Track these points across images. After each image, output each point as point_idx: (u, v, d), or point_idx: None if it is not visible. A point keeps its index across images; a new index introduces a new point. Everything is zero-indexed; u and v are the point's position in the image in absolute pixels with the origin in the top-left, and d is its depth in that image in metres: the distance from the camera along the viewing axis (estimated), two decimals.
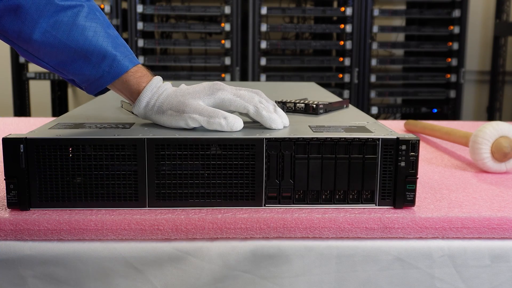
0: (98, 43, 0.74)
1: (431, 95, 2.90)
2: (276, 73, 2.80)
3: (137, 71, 0.78)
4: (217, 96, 0.77)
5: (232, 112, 0.78)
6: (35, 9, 0.72)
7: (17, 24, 0.72)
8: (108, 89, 0.81)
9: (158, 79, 0.78)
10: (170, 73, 2.78)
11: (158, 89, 0.77)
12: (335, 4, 2.98)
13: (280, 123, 0.77)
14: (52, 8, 0.73)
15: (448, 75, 2.87)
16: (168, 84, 0.80)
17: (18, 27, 0.72)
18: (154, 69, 2.94)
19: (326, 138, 0.71)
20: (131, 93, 0.78)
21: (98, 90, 0.78)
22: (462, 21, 2.81)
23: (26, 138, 0.69)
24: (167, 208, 0.72)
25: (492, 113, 3.26)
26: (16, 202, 0.70)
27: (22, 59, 2.79)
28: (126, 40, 2.80)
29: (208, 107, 0.75)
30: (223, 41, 2.74)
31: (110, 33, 0.76)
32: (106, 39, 0.75)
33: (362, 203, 0.73)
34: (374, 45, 2.81)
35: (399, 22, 3.26)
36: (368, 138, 0.71)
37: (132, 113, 0.90)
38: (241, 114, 0.80)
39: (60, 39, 0.73)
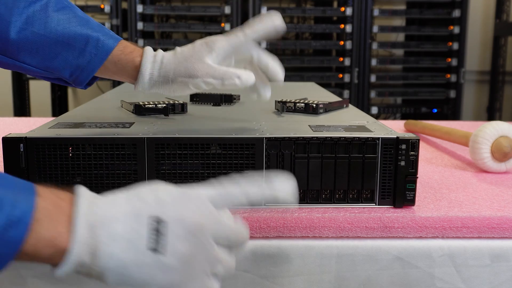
0: (77, 28, 0.72)
1: (431, 95, 2.90)
2: None
3: (126, 47, 0.75)
4: (218, 51, 0.74)
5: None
6: (5, 8, 0.70)
7: None
8: (96, 79, 0.77)
9: (149, 49, 0.75)
10: None
11: (155, 59, 0.74)
12: (335, 4, 2.98)
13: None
14: (21, 3, 0.70)
15: (448, 75, 2.87)
16: (161, 51, 0.76)
17: None
18: None
19: (326, 137, 0.71)
20: (127, 72, 0.75)
21: (89, 77, 0.74)
22: (462, 21, 2.81)
23: (26, 137, 0.69)
24: None
25: (492, 113, 3.26)
26: None
27: None
28: (126, 40, 2.80)
29: (220, 67, 0.73)
30: None
31: (84, 18, 0.74)
32: (83, 24, 0.73)
33: (362, 203, 0.73)
34: (374, 45, 2.81)
35: (399, 22, 3.26)
36: (368, 138, 0.71)
37: (133, 110, 0.90)
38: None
39: (38, 33, 0.71)
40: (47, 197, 0.46)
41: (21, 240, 0.43)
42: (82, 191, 0.48)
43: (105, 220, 0.46)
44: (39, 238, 0.44)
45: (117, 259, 0.45)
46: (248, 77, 0.72)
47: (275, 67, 0.75)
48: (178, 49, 0.76)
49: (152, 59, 0.74)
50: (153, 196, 0.48)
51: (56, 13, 0.72)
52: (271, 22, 0.74)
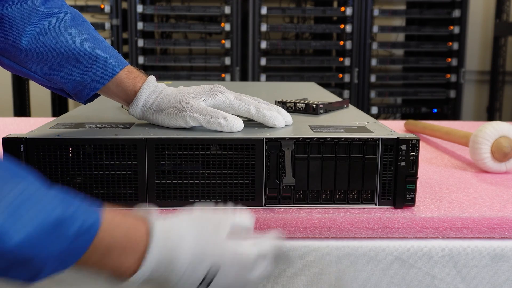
0: (87, 46, 0.74)
1: (431, 95, 2.90)
2: (276, 73, 2.80)
3: (131, 72, 0.77)
4: (218, 98, 0.76)
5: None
6: (20, 17, 0.72)
7: (2, 34, 0.71)
8: (97, 95, 0.80)
9: (153, 78, 0.78)
10: (170, 73, 2.78)
11: (155, 88, 0.77)
12: (335, 4, 2.98)
13: (282, 120, 0.77)
14: (37, 15, 0.73)
15: (448, 75, 2.87)
16: (164, 84, 0.79)
17: (4, 37, 0.71)
18: (154, 69, 2.95)
19: (326, 138, 0.71)
20: (126, 94, 0.77)
21: (90, 94, 0.77)
22: (462, 21, 2.81)
23: (26, 138, 0.69)
24: (167, 208, 0.72)
25: (492, 113, 3.25)
26: None
27: None
28: (126, 40, 2.80)
29: (209, 107, 0.75)
30: (223, 41, 2.74)
31: (96, 37, 0.76)
32: (94, 43, 0.75)
33: (362, 203, 0.73)
34: (374, 45, 2.81)
35: (399, 22, 3.26)
36: (368, 138, 0.71)
37: None
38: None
39: (49, 45, 0.73)
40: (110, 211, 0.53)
41: (87, 247, 0.50)
42: (157, 226, 0.55)
43: (174, 252, 0.54)
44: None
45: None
46: (235, 121, 0.73)
47: (270, 121, 0.76)
48: (181, 86, 0.79)
49: (153, 88, 0.77)
50: (218, 249, 0.56)
51: (70, 28, 0.74)
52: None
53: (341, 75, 2.81)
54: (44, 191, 0.48)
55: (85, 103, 0.80)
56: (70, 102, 3.27)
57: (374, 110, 2.88)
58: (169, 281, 0.55)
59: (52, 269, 0.49)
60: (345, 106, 1.00)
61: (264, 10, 2.70)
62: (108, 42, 0.79)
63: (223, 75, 2.76)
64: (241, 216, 0.61)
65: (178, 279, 0.55)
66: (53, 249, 0.47)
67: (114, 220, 0.53)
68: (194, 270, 0.55)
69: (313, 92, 1.27)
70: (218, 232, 0.57)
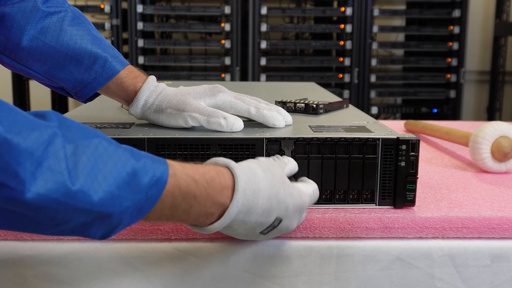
0: (88, 46, 0.74)
1: (431, 95, 2.90)
2: (276, 73, 2.80)
3: (132, 72, 0.77)
4: (218, 98, 0.76)
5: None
6: (21, 16, 0.72)
7: (3, 33, 0.72)
8: (98, 95, 0.80)
9: (153, 78, 0.78)
10: (170, 73, 2.78)
11: (155, 88, 0.77)
12: (335, 4, 2.98)
13: (282, 120, 0.77)
14: (38, 14, 0.73)
15: (448, 75, 2.87)
16: (164, 84, 0.79)
17: (5, 35, 0.72)
18: (154, 69, 2.95)
19: (326, 138, 0.71)
20: (127, 94, 0.77)
21: (90, 94, 0.77)
22: (462, 21, 2.81)
23: None
24: None
25: (492, 113, 3.26)
26: None
27: None
28: (126, 40, 2.80)
29: (209, 107, 0.75)
30: (223, 41, 2.74)
31: (97, 36, 0.76)
32: (95, 42, 0.75)
33: (362, 203, 0.73)
34: (374, 45, 2.81)
35: (399, 22, 3.27)
36: (368, 138, 0.71)
37: None
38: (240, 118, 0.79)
39: (50, 44, 0.73)
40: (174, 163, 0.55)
41: (159, 195, 0.51)
42: (240, 174, 0.57)
43: (251, 206, 0.57)
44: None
45: (235, 231, 0.60)
46: (234, 121, 0.73)
47: (270, 121, 0.76)
48: (182, 86, 0.79)
49: (153, 88, 0.77)
50: (284, 204, 0.60)
51: (71, 27, 0.74)
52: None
53: (341, 75, 2.81)
54: (114, 147, 0.49)
55: (85, 102, 0.80)
56: (70, 102, 3.27)
57: (374, 110, 2.88)
58: (240, 228, 0.58)
59: (128, 222, 0.51)
60: (345, 106, 1.00)
61: (264, 10, 2.70)
62: (108, 42, 0.79)
63: (223, 75, 2.76)
64: (291, 162, 0.67)
65: (249, 228, 0.59)
66: (129, 202, 0.49)
67: (186, 168, 0.54)
68: (263, 220, 0.59)
69: (313, 92, 1.27)
70: (284, 183, 0.60)
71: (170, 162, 0.54)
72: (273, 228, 0.61)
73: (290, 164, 0.66)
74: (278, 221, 0.60)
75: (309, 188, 0.66)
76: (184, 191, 0.53)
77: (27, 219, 0.46)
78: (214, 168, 0.57)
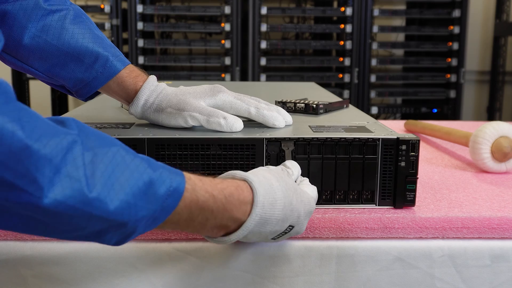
0: (89, 45, 0.74)
1: (431, 95, 2.90)
2: (276, 73, 2.80)
3: (132, 71, 0.77)
4: (218, 98, 0.76)
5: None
6: (23, 14, 0.72)
7: (5, 31, 0.72)
8: (98, 93, 0.80)
9: (154, 78, 0.78)
10: (170, 73, 2.78)
11: (156, 88, 0.77)
12: (335, 4, 2.98)
13: (282, 120, 0.77)
14: (40, 12, 0.73)
15: (448, 75, 2.87)
16: (164, 83, 0.79)
17: (6, 33, 0.72)
18: (154, 69, 2.94)
19: (327, 138, 0.71)
20: (127, 93, 0.77)
21: (91, 92, 0.77)
22: (462, 21, 2.81)
23: None
24: None
25: (492, 113, 3.26)
26: None
27: None
28: (126, 40, 2.80)
29: (209, 107, 0.75)
30: (223, 41, 2.74)
31: (99, 35, 0.76)
32: (96, 41, 0.75)
33: (362, 203, 0.73)
34: (374, 45, 2.81)
35: (399, 22, 3.26)
36: (368, 138, 0.71)
37: None
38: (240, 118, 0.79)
39: (51, 43, 0.73)
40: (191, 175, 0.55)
41: (175, 206, 0.51)
42: (258, 188, 0.57)
43: (267, 218, 0.58)
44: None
45: (249, 239, 0.60)
46: (234, 121, 0.73)
47: (270, 121, 0.77)
48: (182, 86, 0.79)
49: (153, 87, 0.77)
50: (296, 212, 0.60)
51: (72, 26, 0.74)
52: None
53: (341, 75, 2.81)
54: (132, 156, 0.49)
55: (85, 100, 0.80)
56: (70, 102, 3.27)
57: (374, 110, 2.88)
58: (254, 237, 0.59)
59: (142, 230, 0.51)
60: (345, 106, 1.00)
61: (264, 10, 2.70)
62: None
63: (223, 75, 2.76)
64: (294, 166, 0.67)
65: (262, 237, 0.60)
66: (145, 211, 0.49)
67: (204, 184, 0.55)
68: (277, 229, 0.60)
69: (313, 92, 1.27)
70: (296, 191, 0.61)
71: (189, 176, 0.54)
72: (284, 234, 0.61)
73: (295, 170, 0.67)
74: (290, 228, 0.61)
75: (314, 191, 0.66)
76: (202, 206, 0.54)
77: (44, 225, 0.46)
78: (233, 183, 0.57)
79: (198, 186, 0.54)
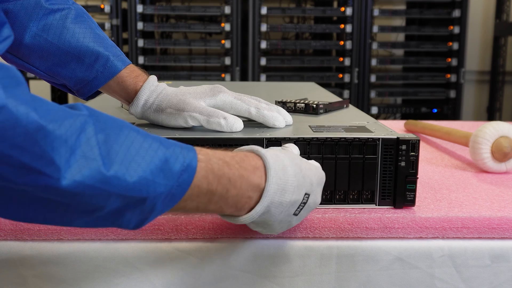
0: (90, 44, 0.74)
1: (431, 95, 2.90)
2: (276, 73, 2.81)
3: (133, 71, 0.77)
4: (218, 98, 0.76)
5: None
6: (24, 13, 0.72)
7: None
8: (99, 93, 0.80)
9: (154, 78, 0.78)
10: (170, 73, 2.78)
11: (156, 88, 0.77)
12: (335, 4, 2.98)
13: (282, 120, 0.77)
14: (41, 11, 0.73)
15: (448, 75, 2.87)
16: (165, 83, 0.79)
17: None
18: (154, 69, 2.95)
19: (326, 138, 0.71)
20: (127, 93, 0.77)
21: (91, 92, 0.77)
22: (462, 21, 2.81)
23: None
24: None
25: (492, 113, 3.26)
26: None
27: None
28: (126, 40, 2.80)
29: (209, 107, 0.75)
30: (223, 41, 2.74)
31: (100, 35, 0.76)
32: (97, 41, 0.75)
33: (362, 203, 0.73)
34: (374, 45, 2.81)
35: (399, 22, 3.27)
36: (368, 138, 0.71)
37: None
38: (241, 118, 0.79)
39: (52, 42, 0.73)
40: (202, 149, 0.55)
41: (191, 181, 0.52)
42: (266, 154, 0.58)
43: (283, 184, 0.58)
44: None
45: (273, 217, 0.59)
46: (234, 121, 0.73)
47: (270, 121, 0.77)
48: (182, 86, 0.79)
49: (153, 88, 0.77)
50: (308, 178, 0.60)
51: (73, 25, 0.75)
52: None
53: (341, 75, 2.81)
54: (144, 136, 0.50)
55: (86, 99, 0.81)
56: (71, 102, 3.27)
57: (374, 110, 2.88)
58: (277, 211, 0.58)
59: (161, 209, 0.51)
60: (345, 106, 1.00)
61: (264, 10, 2.70)
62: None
63: (223, 75, 2.76)
64: (292, 147, 0.68)
65: (285, 211, 0.59)
66: (163, 188, 0.49)
67: (216, 153, 0.55)
68: (296, 198, 0.59)
69: (313, 92, 1.27)
70: (301, 160, 0.62)
71: (199, 148, 0.55)
72: (304, 205, 0.61)
73: (294, 150, 0.68)
74: (307, 196, 0.61)
75: (316, 163, 0.67)
76: (218, 174, 0.54)
77: (63, 208, 0.46)
78: (240, 152, 0.58)
79: (210, 154, 0.54)
